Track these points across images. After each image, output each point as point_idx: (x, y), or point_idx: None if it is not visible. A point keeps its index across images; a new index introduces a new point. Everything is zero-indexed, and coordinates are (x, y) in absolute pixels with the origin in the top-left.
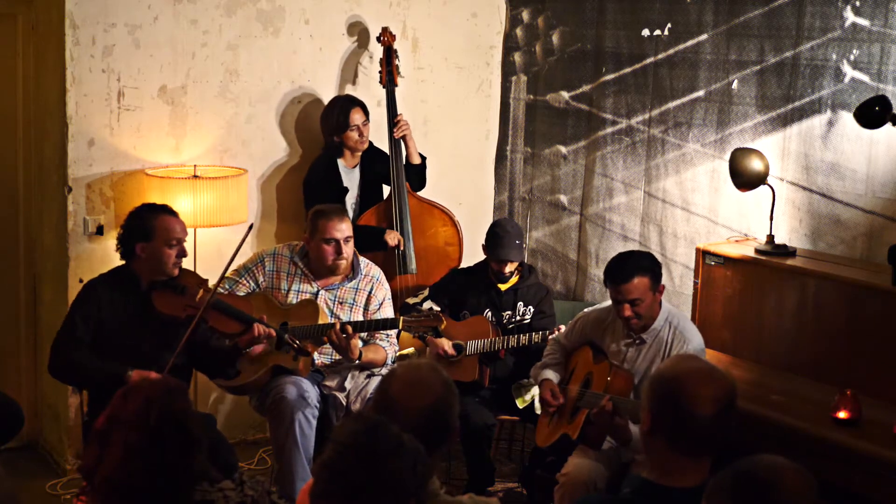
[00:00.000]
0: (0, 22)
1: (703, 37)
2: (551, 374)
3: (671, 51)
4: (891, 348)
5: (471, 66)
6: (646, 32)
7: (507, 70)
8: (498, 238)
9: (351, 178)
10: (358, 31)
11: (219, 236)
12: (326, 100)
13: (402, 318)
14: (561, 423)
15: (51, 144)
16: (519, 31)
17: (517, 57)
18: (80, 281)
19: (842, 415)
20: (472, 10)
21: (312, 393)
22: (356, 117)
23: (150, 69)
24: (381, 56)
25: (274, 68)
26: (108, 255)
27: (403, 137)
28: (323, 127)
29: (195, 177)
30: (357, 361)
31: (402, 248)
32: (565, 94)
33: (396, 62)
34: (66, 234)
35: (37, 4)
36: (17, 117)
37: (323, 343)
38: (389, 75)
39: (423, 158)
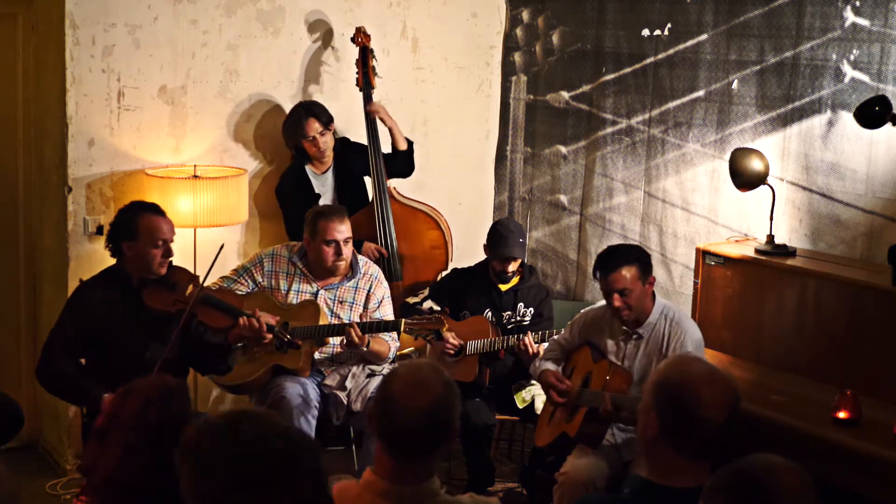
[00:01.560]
0: (0, 22)
1: (703, 37)
2: (551, 366)
3: (671, 51)
4: (891, 348)
5: (471, 66)
6: (646, 32)
7: (507, 70)
8: (501, 236)
9: (323, 182)
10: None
11: (219, 236)
12: (325, 99)
13: (403, 320)
14: (560, 421)
15: (51, 144)
16: (519, 31)
17: (517, 57)
18: (80, 281)
19: (842, 415)
20: (472, 10)
21: (313, 394)
22: (312, 128)
23: (150, 69)
24: (356, 57)
25: (274, 68)
26: (107, 255)
27: (382, 121)
28: (284, 137)
29: (195, 177)
30: (365, 349)
31: (385, 256)
32: (565, 94)
33: (373, 63)
34: (66, 234)
35: (37, 4)
36: (17, 117)
37: (325, 344)
38: (366, 77)
39: (410, 144)
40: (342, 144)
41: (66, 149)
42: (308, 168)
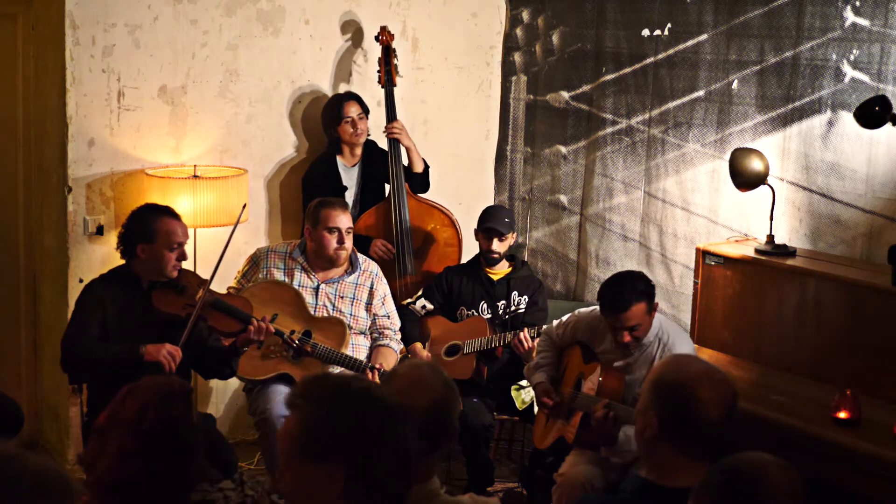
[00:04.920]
0: (0, 22)
1: (703, 37)
2: (543, 376)
3: (671, 51)
4: (891, 348)
5: (471, 66)
6: (646, 32)
7: (507, 70)
8: (486, 214)
9: (350, 176)
10: (353, 30)
11: (219, 236)
12: (327, 100)
13: None
14: (557, 424)
15: (51, 144)
16: (519, 31)
17: (517, 57)
18: (80, 281)
19: (842, 415)
20: (472, 10)
21: None
22: (351, 110)
23: (150, 69)
24: (379, 55)
25: (274, 68)
26: (108, 255)
27: (399, 142)
28: (322, 122)
29: (195, 177)
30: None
31: (389, 258)
32: (565, 94)
33: (395, 62)
34: (66, 234)
35: (37, 4)
36: (17, 117)
37: (335, 365)
38: (388, 75)
39: (427, 168)
40: (369, 145)
41: (66, 149)
42: (339, 159)
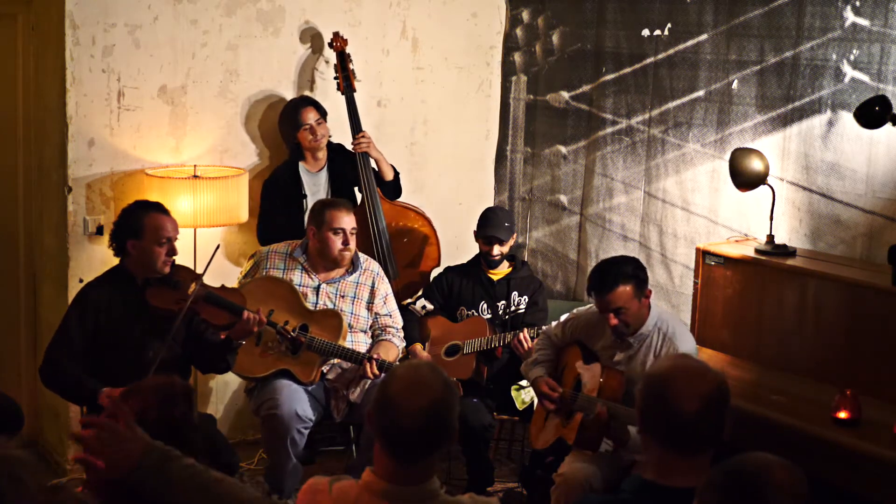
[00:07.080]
0: (0, 22)
1: (703, 37)
2: (542, 371)
3: (671, 51)
4: (891, 348)
5: (471, 66)
6: (646, 32)
7: (507, 70)
8: (486, 218)
9: (316, 181)
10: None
11: (219, 236)
12: (326, 100)
13: None
14: (556, 425)
15: (51, 144)
16: (519, 31)
17: (517, 57)
18: (80, 281)
19: (842, 415)
20: (472, 10)
21: (305, 406)
22: (308, 116)
23: (150, 69)
24: (335, 62)
25: (274, 68)
26: (108, 255)
27: (368, 154)
28: (279, 129)
29: (195, 177)
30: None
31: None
32: (565, 94)
33: (351, 67)
34: (66, 234)
35: (37, 4)
36: (17, 117)
37: (333, 357)
38: (346, 80)
39: (397, 174)
40: (337, 149)
41: (66, 149)
42: (302, 166)
